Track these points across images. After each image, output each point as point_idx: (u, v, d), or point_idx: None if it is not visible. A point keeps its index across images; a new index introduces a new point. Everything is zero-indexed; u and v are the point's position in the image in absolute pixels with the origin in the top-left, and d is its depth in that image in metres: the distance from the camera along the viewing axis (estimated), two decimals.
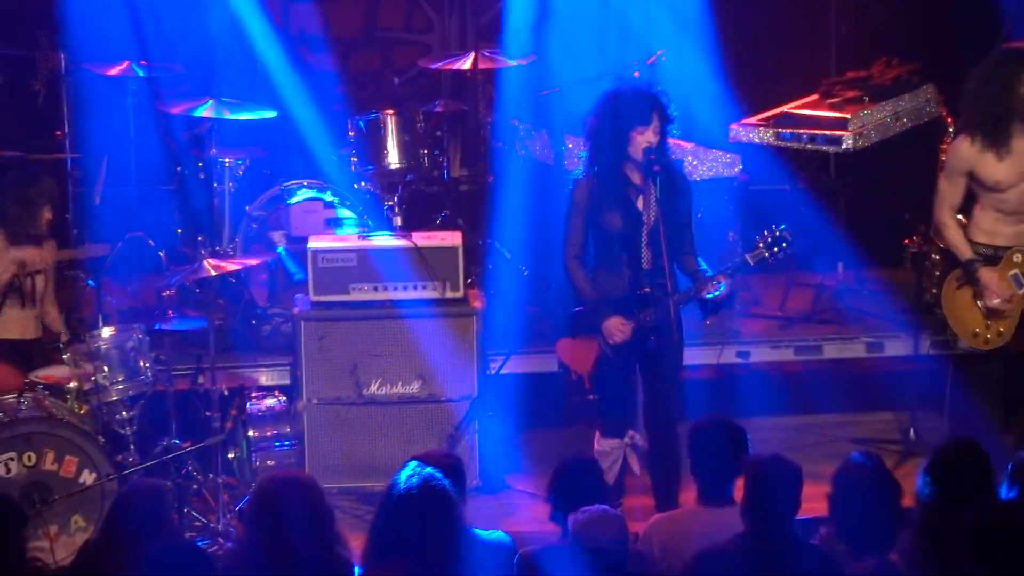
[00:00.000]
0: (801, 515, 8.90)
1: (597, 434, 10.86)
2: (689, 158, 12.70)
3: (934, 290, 11.93)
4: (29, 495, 10.58)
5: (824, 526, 8.99)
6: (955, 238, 11.36)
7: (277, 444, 11.97)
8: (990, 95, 11.24)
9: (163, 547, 8.22)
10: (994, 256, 11.29)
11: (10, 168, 12.02)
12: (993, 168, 11.19)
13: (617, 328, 10.55)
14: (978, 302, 11.34)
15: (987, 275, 11.25)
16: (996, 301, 11.22)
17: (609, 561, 8.29)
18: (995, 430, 11.12)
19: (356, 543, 8.56)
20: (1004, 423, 11.45)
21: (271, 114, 13.40)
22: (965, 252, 11.32)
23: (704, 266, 10.75)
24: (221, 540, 10.84)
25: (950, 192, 11.36)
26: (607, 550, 8.43)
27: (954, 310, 11.47)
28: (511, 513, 11.49)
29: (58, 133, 12.47)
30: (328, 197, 13.06)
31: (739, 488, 8.66)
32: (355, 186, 13.11)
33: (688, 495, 9.59)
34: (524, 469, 12.05)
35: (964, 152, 11.27)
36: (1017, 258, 11.27)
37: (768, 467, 8.46)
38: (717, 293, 10.62)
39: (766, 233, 10.70)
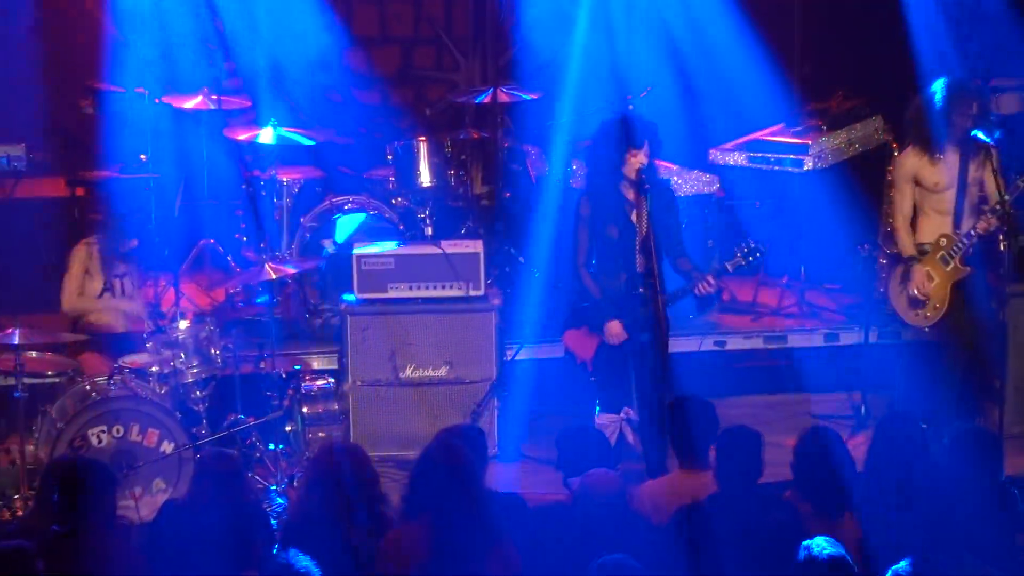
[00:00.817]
0: (770, 480, 8.99)
1: (598, 409, 10.92)
2: (675, 177, 12.70)
3: (882, 288, 11.95)
4: (117, 462, 10.54)
5: (790, 489, 9.04)
6: (905, 240, 11.42)
7: (327, 419, 11.99)
8: (929, 119, 11.33)
9: (231, 506, 8.33)
10: (916, 260, 11.35)
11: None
12: (931, 173, 11.31)
13: (616, 333, 10.64)
14: (911, 281, 11.39)
15: (914, 269, 11.33)
16: (914, 291, 11.32)
17: (608, 516, 8.34)
18: (939, 406, 11.17)
19: (395, 501, 8.66)
20: (951, 403, 11.45)
21: (322, 139, 13.45)
22: (911, 251, 11.39)
23: (694, 263, 10.84)
24: (280, 501, 10.85)
25: (901, 201, 11.44)
26: (607, 507, 8.48)
27: (896, 295, 11.54)
28: (525, 477, 11.47)
29: (142, 156, 12.47)
30: (371, 210, 13.05)
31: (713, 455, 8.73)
32: (392, 201, 13.11)
33: (674, 461, 9.59)
34: (536, 440, 12.02)
35: (909, 163, 11.39)
36: (943, 242, 11.33)
37: (733, 437, 8.55)
38: (711, 292, 10.74)
39: (743, 245, 10.81)
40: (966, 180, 11.35)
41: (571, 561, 7.97)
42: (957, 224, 11.36)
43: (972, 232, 11.27)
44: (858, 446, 9.15)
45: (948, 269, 11.34)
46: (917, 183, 11.39)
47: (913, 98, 11.56)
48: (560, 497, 9.04)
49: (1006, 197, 11.11)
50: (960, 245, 11.30)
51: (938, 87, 11.37)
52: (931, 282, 11.34)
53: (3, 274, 12.82)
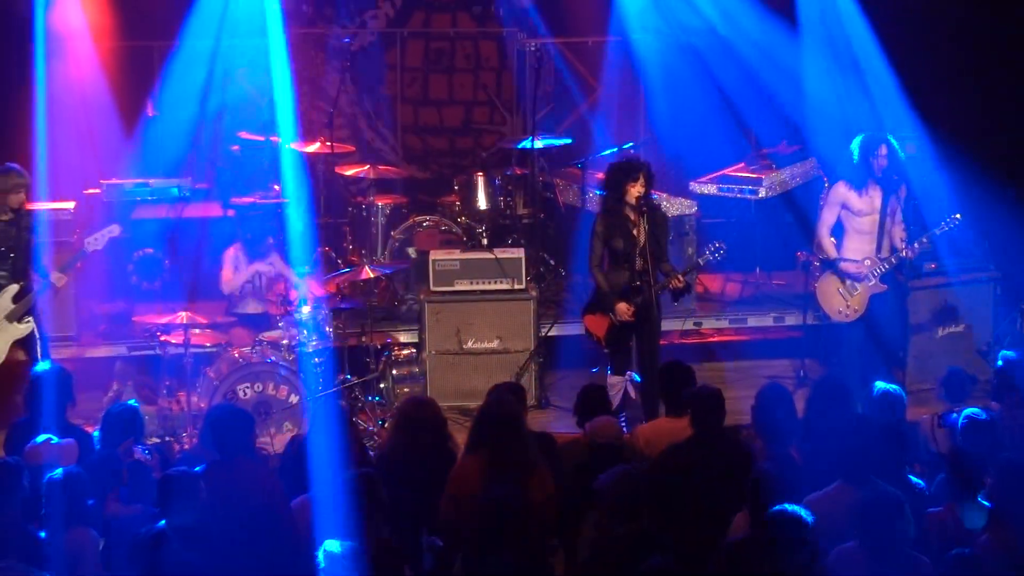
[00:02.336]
0: (734, 423, 9.06)
1: (608, 373, 10.96)
2: (664, 203, 12.72)
3: (814, 284, 11.93)
4: (257, 410, 10.64)
5: (746, 429, 9.10)
6: (829, 248, 11.35)
7: (410, 379, 12.04)
8: (851, 162, 11.31)
9: (339, 441, 8.40)
10: (850, 262, 11.32)
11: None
12: (858, 201, 11.20)
13: (624, 311, 10.65)
14: (839, 289, 11.35)
15: (845, 265, 11.25)
16: (851, 285, 11.22)
17: (611, 452, 8.39)
18: (855, 372, 11.12)
19: (460, 439, 8.73)
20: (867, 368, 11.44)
21: (406, 174, 13.51)
22: (832, 254, 11.34)
23: (672, 266, 10.86)
24: (375, 440, 10.90)
25: (829, 218, 11.32)
26: (610, 445, 8.54)
27: (824, 298, 11.47)
28: (553, 421, 11.48)
29: (276, 187, 12.53)
30: (443, 227, 13.08)
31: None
32: (458, 220, 13.13)
33: (663, 409, 9.63)
34: (561, 394, 12.03)
35: (841, 191, 11.27)
36: (867, 263, 11.28)
37: (702, 392, 8.55)
38: (682, 285, 10.74)
39: (711, 245, 10.87)
40: (885, 210, 11.32)
41: (584, 481, 8.06)
42: (878, 245, 11.26)
43: (892, 258, 11.21)
44: (799, 399, 9.15)
45: (870, 284, 11.29)
46: (846, 207, 11.33)
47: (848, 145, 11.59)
48: (578, 435, 9.07)
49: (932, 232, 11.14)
50: (880, 269, 11.26)
51: (857, 139, 11.37)
52: (854, 293, 11.33)
53: (177, 271, 12.87)
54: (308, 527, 7.60)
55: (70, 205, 12.43)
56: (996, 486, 7.58)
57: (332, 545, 6.96)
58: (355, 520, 7.31)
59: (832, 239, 11.37)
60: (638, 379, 10.80)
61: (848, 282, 11.27)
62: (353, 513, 7.33)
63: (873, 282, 11.26)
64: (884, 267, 11.22)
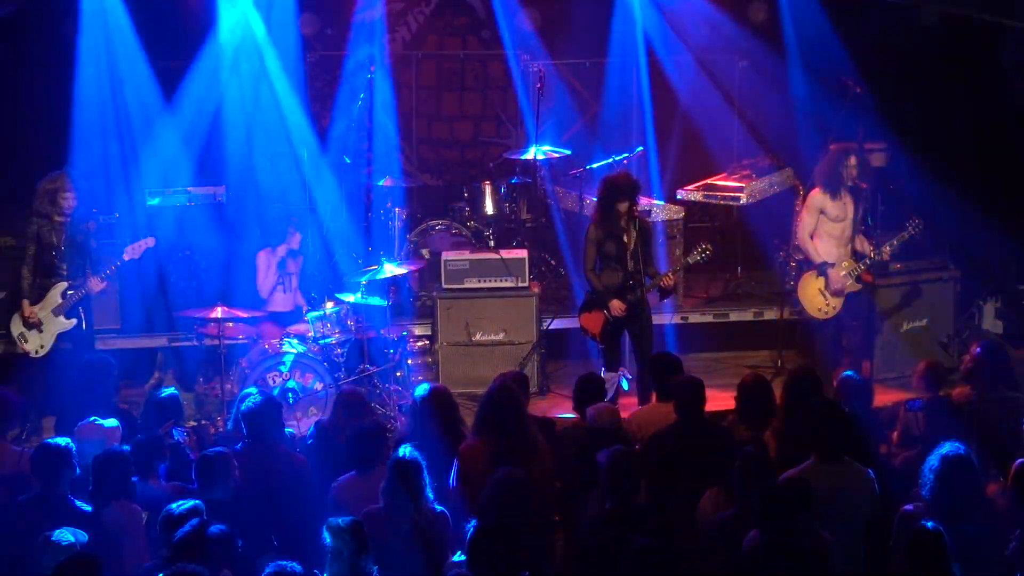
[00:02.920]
0: (717, 408, 9.01)
1: (602, 369, 10.79)
2: (654, 209, 12.67)
3: (792, 282, 11.88)
4: (284, 395, 10.60)
5: (731, 414, 9.05)
6: (811, 250, 11.30)
7: (424, 368, 11.96)
8: (825, 171, 11.25)
9: (359, 425, 8.35)
10: (828, 265, 11.26)
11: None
12: (833, 207, 11.19)
13: (618, 307, 10.59)
14: (821, 290, 11.31)
15: (831, 271, 11.21)
16: (837, 286, 11.19)
17: (609, 436, 8.33)
18: (827, 363, 11.12)
19: (468, 421, 8.67)
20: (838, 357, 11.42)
21: (420, 183, 13.46)
22: (819, 259, 11.29)
23: (656, 269, 10.80)
24: (392, 423, 10.84)
25: (809, 222, 11.31)
26: (607, 428, 8.48)
27: (805, 297, 11.44)
28: (554, 407, 11.40)
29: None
30: (453, 230, 13.03)
31: None
32: (467, 224, 13.08)
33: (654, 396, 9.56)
34: (560, 381, 11.98)
35: (818, 198, 11.28)
36: (844, 264, 11.23)
37: (685, 382, 8.52)
38: (671, 283, 10.69)
39: (698, 245, 10.78)
40: (856, 216, 11.28)
41: (584, 462, 8.00)
42: (848, 250, 11.25)
43: (866, 260, 11.17)
44: (777, 386, 9.10)
45: (847, 285, 11.24)
46: (823, 212, 11.29)
47: (820, 157, 11.51)
48: (576, 420, 9.02)
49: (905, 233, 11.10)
50: (857, 271, 11.21)
51: (836, 151, 11.34)
52: (834, 294, 11.25)
53: (212, 271, 12.84)
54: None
55: (114, 212, 12.40)
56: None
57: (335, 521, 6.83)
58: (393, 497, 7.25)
59: (812, 244, 11.32)
60: (626, 385, 10.72)
61: (829, 283, 11.20)
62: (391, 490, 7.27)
63: (850, 283, 11.22)
64: (859, 269, 11.20)
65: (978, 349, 9.22)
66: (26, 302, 10.76)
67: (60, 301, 10.75)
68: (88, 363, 9.56)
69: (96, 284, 10.77)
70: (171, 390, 9.52)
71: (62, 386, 10.08)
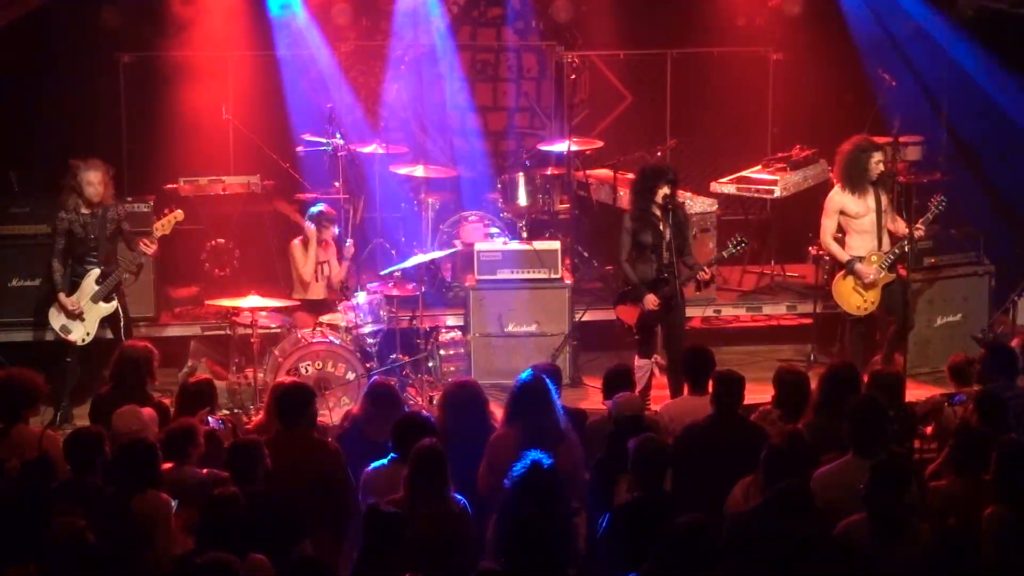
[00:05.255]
0: (753, 402, 8.98)
1: (636, 356, 10.81)
2: (688, 201, 12.61)
3: (825, 277, 11.83)
4: (318, 385, 10.60)
5: (763, 407, 9.02)
6: (836, 251, 11.26)
7: (456, 359, 11.97)
8: (852, 167, 11.19)
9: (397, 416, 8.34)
10: (857, 259, 11.20)
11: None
12: (854, 204, 11.12)
13: (653, 302, 10.55)
14: (854, 287, 11.25)
15: (859, 266, 11.16)
16: (870, 278, 11.12)
17: (633, 423, 8.28)
18: (862, 358, 11.09)
19: (498, 413, 8.65)
20: (868, 358, 11.34)
21: (455, 174, 13.45)
22: (844, 258, 11.23)
23: (695, 259, 10.78)
24: (424, 414, 10.82)
25: (830, 226, 11.25)
26: (633, 417, 8.44)
27: (841, 297, 11.36)
28: (584, 398, 11.40)
29: (336, 184, 12.46)
30: (486, 221, 12.99)
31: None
32: (500, 215, 13.05)
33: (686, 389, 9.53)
34: (592, 373, 11.93)
35: (837, 198, 11.22)
36: (873, 258, 11.18)
37: (724, 375, 8.49)
38: (708, 277, 10.65)
39: (733, 238, 10.76)
40: (880, 209, 11.21)
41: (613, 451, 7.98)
42: (878, 241, 11.20)
43: (895, 249, 11.09)
44: (813, 378, 9.05)
45: (880, 277, 11.19)
46: (843, 212, 11.22)
47: (842, 149, 11.41)
48: (604, 411, 9.01)
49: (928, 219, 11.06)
50: (888, 260, 11.16)
51: (859, 143, 11.25)
52: (869, 288, 11.20)
53: (246, 260, 12.89)
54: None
55: (149, 200, 12.45)
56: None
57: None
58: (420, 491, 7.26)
59: (837, 245, 11.28)
60: (664, 363, 10.71)
61: (861, 277, 11.15)
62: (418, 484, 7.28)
63: (884, 273, 11.16)
64: (890, 258, 11.12)
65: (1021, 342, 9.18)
66: (63, 294, 10.84)
67: (96, 288, 10.85)
68: (124, 351, 9.59)
69: (148, 246, 10.77)
70: (205, 378, 9.55)
71: (100, 373, 10.13)
